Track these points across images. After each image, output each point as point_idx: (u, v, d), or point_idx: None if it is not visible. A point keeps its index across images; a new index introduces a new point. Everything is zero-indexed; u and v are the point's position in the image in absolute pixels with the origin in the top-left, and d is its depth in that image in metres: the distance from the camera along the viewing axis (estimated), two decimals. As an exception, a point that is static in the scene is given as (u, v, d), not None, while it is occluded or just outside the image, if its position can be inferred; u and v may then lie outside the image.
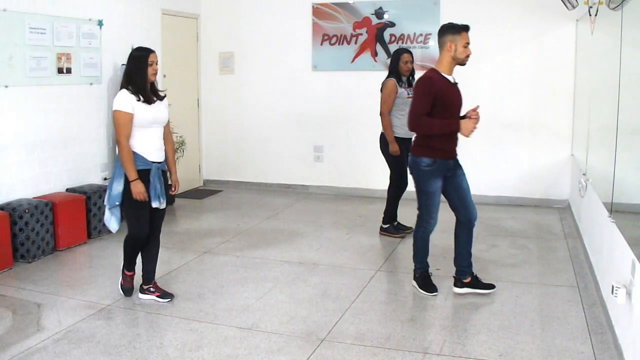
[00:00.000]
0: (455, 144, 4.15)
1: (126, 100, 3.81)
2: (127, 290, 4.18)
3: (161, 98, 4.01)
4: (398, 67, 5.51)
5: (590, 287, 4.30)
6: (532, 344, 3.46)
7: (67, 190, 5.69)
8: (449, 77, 4.05)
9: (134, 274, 4.19)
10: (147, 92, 3.88)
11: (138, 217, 3.92)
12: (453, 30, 3.95)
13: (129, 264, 4.14)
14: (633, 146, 3.39)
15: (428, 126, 3.98)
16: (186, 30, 7.83)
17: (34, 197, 5.26)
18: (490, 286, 4.25)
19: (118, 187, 3.87)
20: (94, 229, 5.61)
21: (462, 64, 4.01)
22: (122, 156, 3.81)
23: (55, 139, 5.62)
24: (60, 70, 5.61)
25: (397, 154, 5.53)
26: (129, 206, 3.90)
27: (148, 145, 3.90)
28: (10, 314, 3.88)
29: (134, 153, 3.84)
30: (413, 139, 4.25)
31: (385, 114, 5.52)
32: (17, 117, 5.21)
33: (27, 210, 4.90)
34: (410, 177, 4.37)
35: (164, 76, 7.23)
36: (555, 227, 6.05)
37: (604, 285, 3.93)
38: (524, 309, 3.96)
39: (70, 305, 4.05)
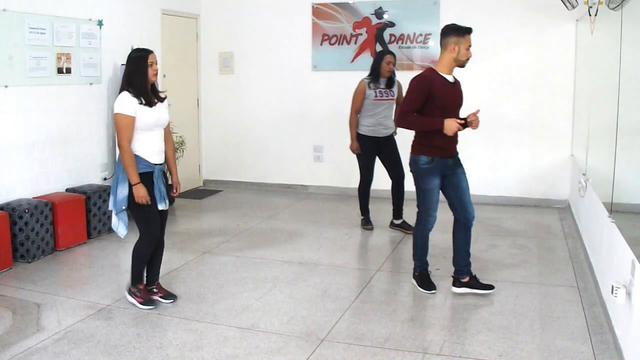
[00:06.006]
0: (455, 143, 4.16)
1: (128, 103, 3.75)
2: (150, 301, 4.01)
3: (162, 99, 3.97)
4: (380, 67, 5.64)
5: (590, 287, 4.30)
6: (532, 344, 3.46)
7: (67, 190, 5.69)
8: (448, 77, 4.07)
9: (145, 283, 4.09)
10: (149, 94, 3.83)
11: (148, 219, 3.88)
12: (457, 33, 3.99)
13: (139, 276, 4.01)
14: (633, 146, 3.39)
15: (411, 123, 4.08)
16: (186, 30, 7.83)
17: (33, 197, 5.26)
18: (489, 287, 4.24)
19: (123, 191, 3.80)
20: (93, 229, 5.61)
21: (462, 66, 4.07)
22: (124, 160, 3.74)
23: (55, 139, 5.62)
24: (60, 70, 5.61)
25: (356, 152, 5.78)
26: (137, 210, 3.84)
27: (150, 148, 3.86)
28: (10, 314, 3.88)
29: (136, 156, 3.79)
30: (412, 137, 4.25)
31: (352, 112, 5.73)
32: (17, 117, 5.20)
33: (26, 210, 4.90)
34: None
35: (164, 76, 7.23)
36: (555, 227, 6.04)
37: (603, 285, 3.93)
38: (524, 309, 3.96)
39: (70, 305, 4.05)
